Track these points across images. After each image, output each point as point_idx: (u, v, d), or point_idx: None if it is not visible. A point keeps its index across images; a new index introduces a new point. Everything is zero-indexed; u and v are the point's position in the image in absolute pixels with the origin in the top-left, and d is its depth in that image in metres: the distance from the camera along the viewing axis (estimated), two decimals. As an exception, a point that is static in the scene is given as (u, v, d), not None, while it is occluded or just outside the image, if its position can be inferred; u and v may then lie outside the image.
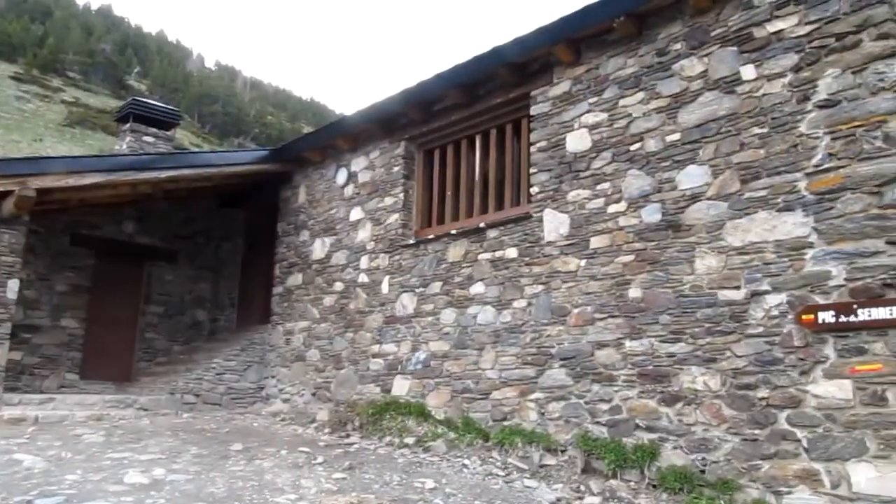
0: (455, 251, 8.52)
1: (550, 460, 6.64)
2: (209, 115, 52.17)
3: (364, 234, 9.90)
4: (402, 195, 9.48)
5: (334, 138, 10.52)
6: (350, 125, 10.26)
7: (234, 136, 50.62)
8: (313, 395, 10.08)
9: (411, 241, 9.19)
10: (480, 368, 7.88)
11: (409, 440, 7.48)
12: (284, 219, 11.63)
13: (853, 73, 5.55)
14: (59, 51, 47.46)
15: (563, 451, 6.73)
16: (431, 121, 9.26)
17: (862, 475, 5.04)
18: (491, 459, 6.77)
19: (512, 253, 7.84)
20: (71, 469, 5.58)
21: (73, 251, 11.76)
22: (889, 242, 5.19)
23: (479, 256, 8.19)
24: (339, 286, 10.15)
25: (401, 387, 8.77)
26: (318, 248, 10.69)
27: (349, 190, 10.34)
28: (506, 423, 7.42)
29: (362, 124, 10.02)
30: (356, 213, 10.12)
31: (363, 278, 9.77)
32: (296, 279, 11.04)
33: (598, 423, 6.70)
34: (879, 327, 5.12)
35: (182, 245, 13.11)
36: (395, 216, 9.46)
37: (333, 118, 12.47)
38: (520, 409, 7.39)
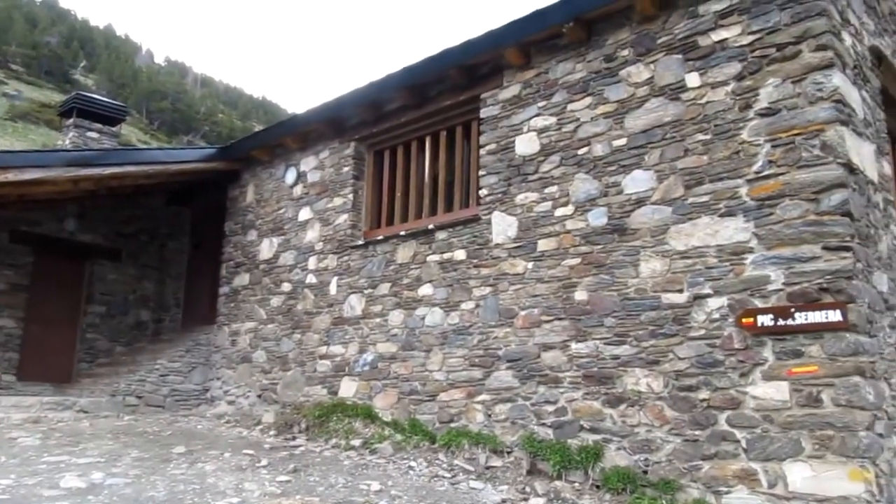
0: (404, 252, 8.50)
1: (496, 462, 6.66)
2: (158, 112, 51.27)
3: (312, 234, 9.82)
4: (351, 196, 9.42)
5: (284, 137, 10.42)
6: (300, 124, 10.17)
7: (184, 134, 49.80)
8: (259, 396, 9.95)
9: (360, 242, 9.14)
10: (428, 370, 7.88)
11: (356, 442, 7.43)
12: (232, 218, 11.47)
13: (793, 82, 5.69)
14: (1, 42, 46.09)
15: (509, 453, 6.76)
16: (382, 122, 9.22)
17: (798, 474, 5.17)
18: (437, 461, 6.76)
19: (460, 255, 7.85)
20: (4, 473, 5.41)
21: (11, 248, 11.41)
22: (825, 248, 5.33)
23: (428, 258, 8.19)
24: (286, 287, 10.05)
25: (348, 388, 8.72)
26: (266, 248, 10.57)
27: (298, 190, 10.25)
28: (453, 425, 7.43)
29: (312, 124, 9.94)
30: (305, 214, 10.03)
31: (311, 279, 9.68)
32: (243, 279, 10.90)
33: (543, 424, 6.75)
34: (815, 330, 5.26)
35: (126, 243, 12.82)
36: (344, 217, 9.41)
37: (285, 117, 12.32)
38: (467, 410, 7.40)
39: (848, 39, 5.99)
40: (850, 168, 5.48)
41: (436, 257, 8.11)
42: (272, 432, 8.35)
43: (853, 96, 5.85)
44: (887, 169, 6.55)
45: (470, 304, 7.64)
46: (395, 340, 8.33)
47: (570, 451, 6.37)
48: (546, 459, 6.44)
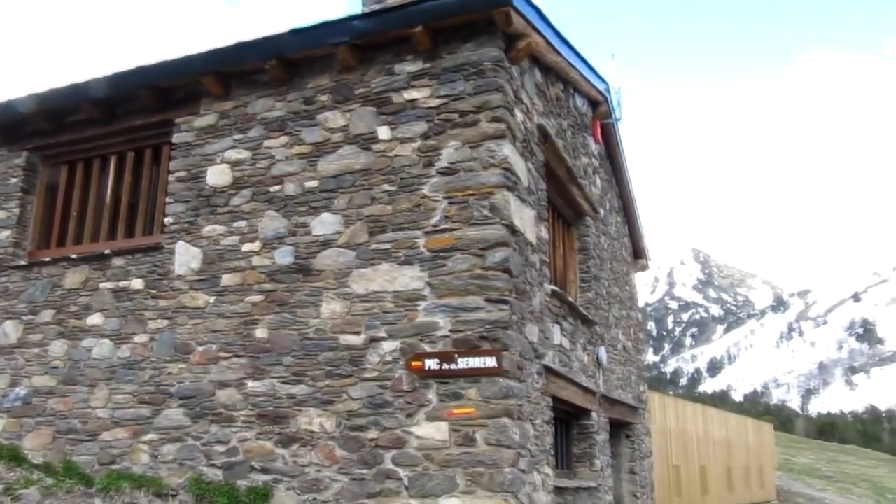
0: (73, 277, 7.79)
1: (159, 506, 6.30)
2: None
3: (-36, 250, 8.63)
4: (17, 210, 8.43)
5: (-62, 137, 9.09)
6: (-39, 125, 8.96)
7: None
8: None
9: (23, 263, 8.20)
10: (91, 407, 7.26)
11: (-5, 488, 6.59)
12: None
13: (471, 147, 6.25)
14: None
15: (174, 496, 6.43)
16: (62, 133, 8.42)
17: (451, 510, 5.57)
18: (91, 507, 6.22)
19: (138, 284, 7.40)
20: None
21: None
22: (487, 300, 5.88)
23: (101, 285, 7.59)
24: (-75, 308, 8.69)
25: (-8, 427, 7.72)
26: None
27: (-49, 198, 8.97)
28: (114, 467, 6.91)
29: (-23, 126, 8.80)
30: (-43, 226, 8.79)
31: (-42, 300, 8.48)
32: None
33: (213, 465, 6.54)
34: (474, 375, 5.75)
35: None
36: (7, 233, 8.39)
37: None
38: (131, 451, 6.94)
39: (520, 115, 6.73)
40: (513, 230, 6.11)
41: (110, 285, 7.55)
42: None
43: (520, 166, 6.56)
44: (544, 233, 7.40)
45: (144, 337, 7.20)
46: (56, 373, 7.57)
47: (239, 493, 6.23)
48: (214, 502, 6.23)
